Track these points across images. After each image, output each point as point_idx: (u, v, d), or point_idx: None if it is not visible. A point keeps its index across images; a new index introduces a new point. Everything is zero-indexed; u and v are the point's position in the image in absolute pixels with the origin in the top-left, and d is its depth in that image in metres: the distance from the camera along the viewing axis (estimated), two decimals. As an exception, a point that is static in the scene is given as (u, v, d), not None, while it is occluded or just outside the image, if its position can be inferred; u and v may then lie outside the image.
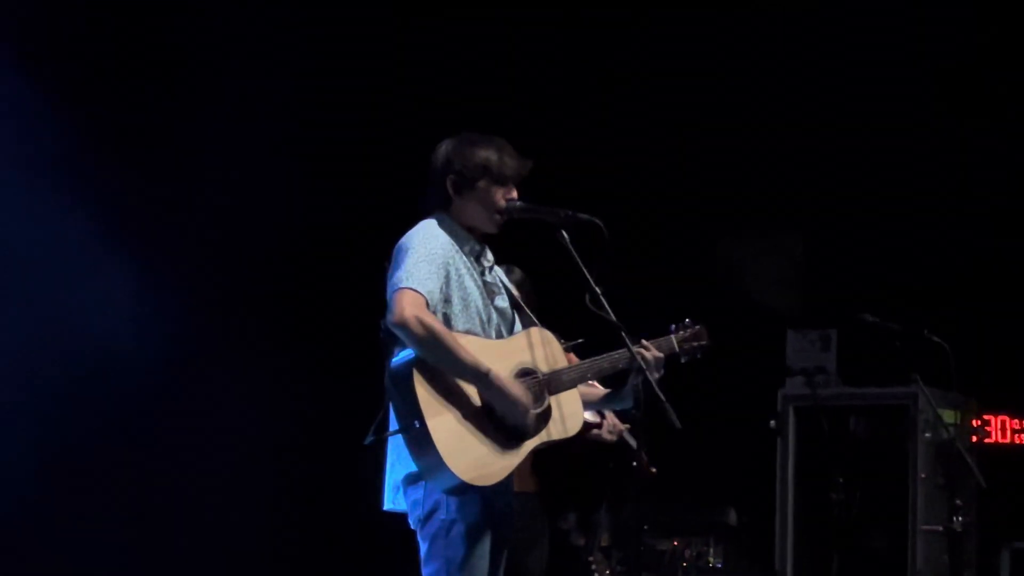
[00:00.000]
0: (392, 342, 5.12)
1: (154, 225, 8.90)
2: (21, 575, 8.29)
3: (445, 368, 5.06)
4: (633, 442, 6.21)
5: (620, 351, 5.28)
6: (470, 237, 5.33)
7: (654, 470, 6.80)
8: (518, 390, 5.12)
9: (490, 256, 5.40)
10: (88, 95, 8.64)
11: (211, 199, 9.08)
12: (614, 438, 6.73)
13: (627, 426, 6.66)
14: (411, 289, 5.05)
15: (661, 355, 5.37)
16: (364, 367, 5.83)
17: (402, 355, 5.09)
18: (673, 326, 5.58)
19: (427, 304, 5.06)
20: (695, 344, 5.58)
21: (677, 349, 5.51)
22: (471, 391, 5.09)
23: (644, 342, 5.38)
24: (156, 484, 8.84)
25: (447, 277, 5.17)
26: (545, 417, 5.21)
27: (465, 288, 5.22)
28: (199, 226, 9.08)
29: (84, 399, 8.49)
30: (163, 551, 8.80)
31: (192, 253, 9.04)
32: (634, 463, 6.46)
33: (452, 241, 5.26)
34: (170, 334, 8.73)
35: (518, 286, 6.55)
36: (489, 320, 5.29)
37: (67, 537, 8.40)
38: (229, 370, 8.96)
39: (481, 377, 5.07)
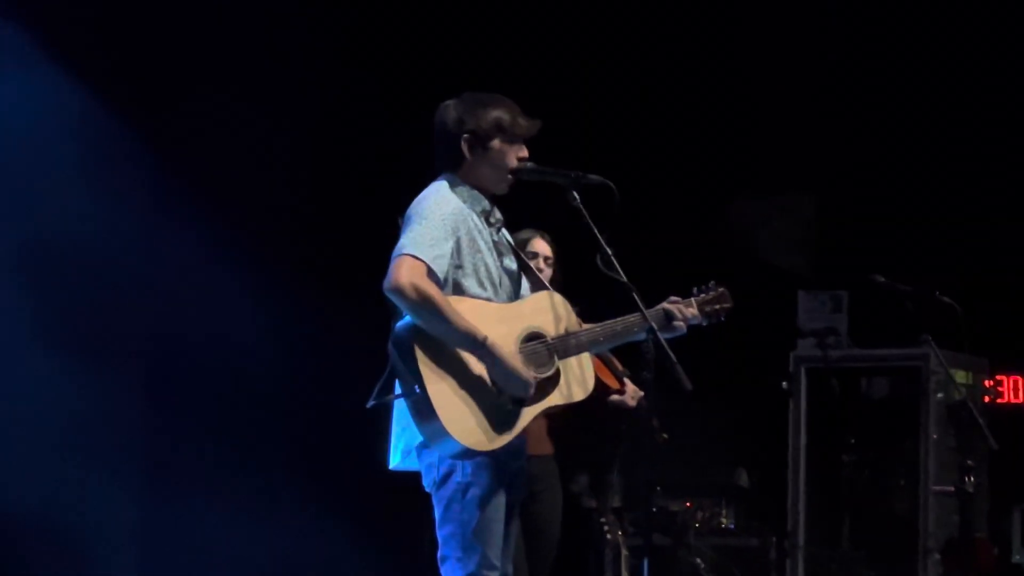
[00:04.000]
0: (397, 307, 5.07)
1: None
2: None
3: (440, 336, 5.01)
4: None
5: (635, 315, 5.20)
6: (481, 197, 5.27)
7: (666, 436, 6.79)
8: (515, 362, 5.06)
9: (498, 215, 5.33)
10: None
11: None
12: (635, 404, 6.70)
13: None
14: (411, 256, 5.00)
15: (691, 313, 5.35)
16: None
17: (405, 320, 5.05)
18: (695, 289, 5.48)
19: (428, 271, 5.01)
20: (717, 307, 5.49)
21: (698, 313, 5.44)
22: (471, 355, 5.05)
23: (674, 298, 5.37)
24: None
25: (458, 242, 5.12)
26: (553, 381, 5.17)
27: (478, 251, 5.17)
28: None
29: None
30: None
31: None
32: (651, 425, 6.47)
33: (464, 203, 5.20)
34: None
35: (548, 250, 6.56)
36: (500, 282, 5.24)
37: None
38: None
39: (478, 345, 5.02)
